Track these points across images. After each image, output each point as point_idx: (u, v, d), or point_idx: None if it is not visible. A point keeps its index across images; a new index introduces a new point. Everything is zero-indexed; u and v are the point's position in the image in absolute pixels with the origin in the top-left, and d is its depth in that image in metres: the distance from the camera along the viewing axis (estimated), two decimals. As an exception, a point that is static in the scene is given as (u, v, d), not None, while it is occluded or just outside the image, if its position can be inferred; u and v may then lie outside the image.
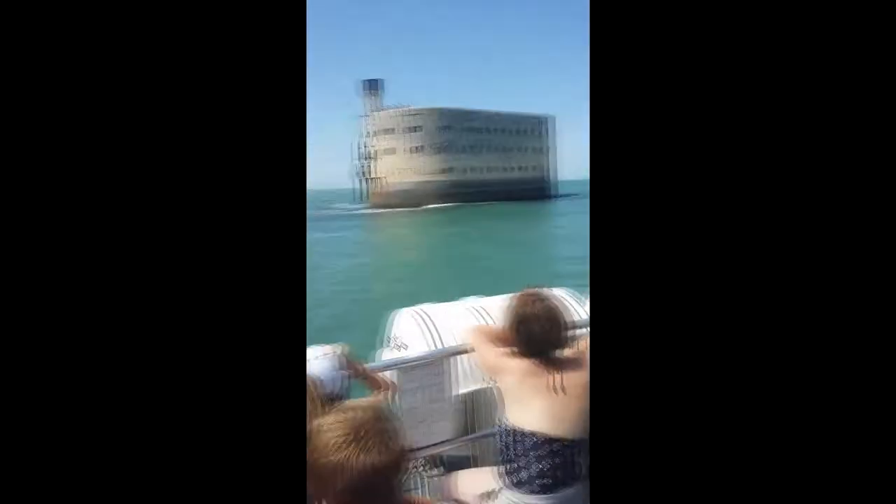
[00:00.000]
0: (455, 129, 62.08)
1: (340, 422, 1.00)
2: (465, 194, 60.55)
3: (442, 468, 2.33)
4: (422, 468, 2.37)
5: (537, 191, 67.43)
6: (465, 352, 2.10)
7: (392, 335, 2.99)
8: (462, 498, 1.78)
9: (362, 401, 1.11)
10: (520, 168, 68.11)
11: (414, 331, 2.79)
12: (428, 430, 2.14)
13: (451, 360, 2.24)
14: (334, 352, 1.74)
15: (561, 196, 70.50)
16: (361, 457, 0.96)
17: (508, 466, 1.61)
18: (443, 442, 2.19)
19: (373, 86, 66.03)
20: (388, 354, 2.90)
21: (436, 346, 2.61)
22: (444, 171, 61.51)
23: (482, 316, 2.80)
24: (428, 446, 2.15)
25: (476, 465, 2.29)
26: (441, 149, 61.23)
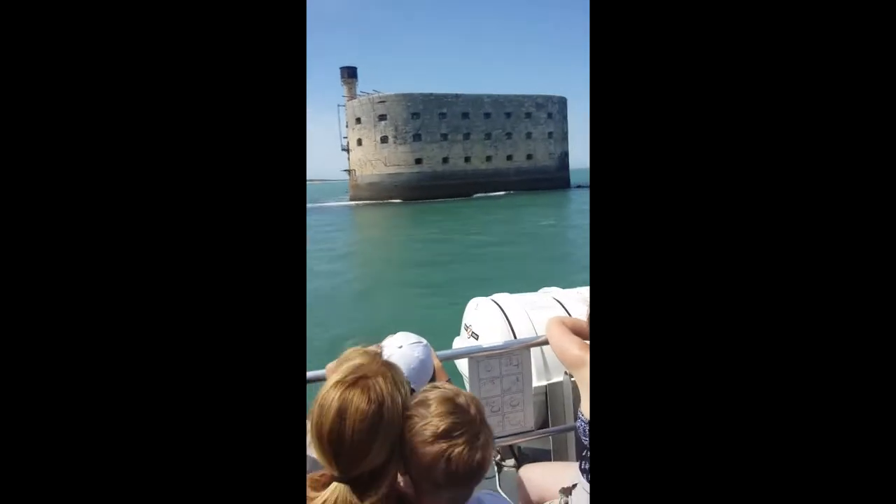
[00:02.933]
0: (427, 116, 56.55)
1: (451, 413, 1.01)
2: (449, 186, 55.12)
3: (516, 460, 2.35)
4: (497, 459, 2.37)
5: (545, 181, 59.87)
6: (544, 343, 2.10)
7: (465, 323, 2.91)
8: (537, 491, 1.78)
9: (470, 396, 1.07)
10: (527, 157, 60.95)
11: (487, 320, 2.72)
12: (503, 420, 2.13)
13: (529, 351, 2.20)
14: (423, 342, 1.52)
15: (576, 187, 62.36)
16: (467, 451, 0.98)
17: (588, 462, 1.55)
18: (519, 433, 2.18)
19: (350, 73, 62.44)
20: (461, 342, 2.88)
21: (511, 336, 2.54)
22: (416, 161, 56.57)
23: (560, 307, 2.74)
24: (503, 437, 2.12)
25: (553, 459, 2.32)
26: (410, 138, 56.26)
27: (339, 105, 62.80)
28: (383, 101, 56.81)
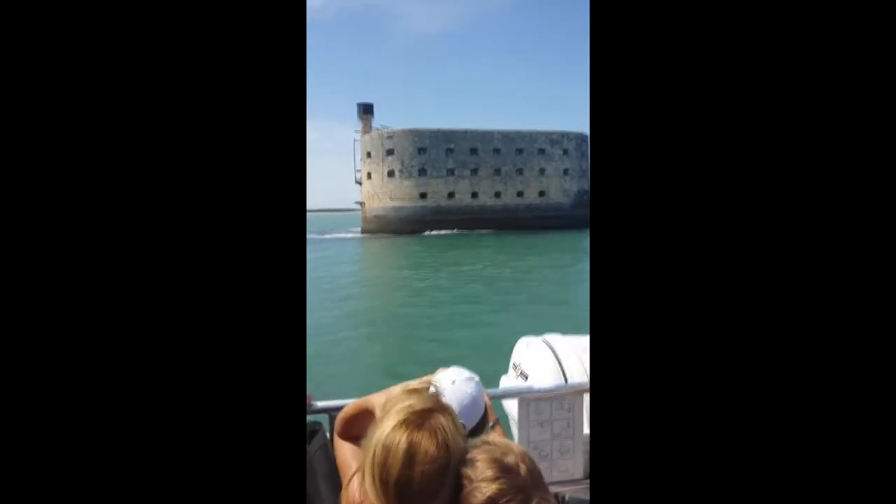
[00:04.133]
0: (434, 151, 56.67)
1: (499, 478, 0.92)
2: (457, 221, 54.71)
3: None
4: None
5: (558, 219, 58.23)
6: None
7: (513, 362, 2.80)
8: None
9: (521, 454, 0.98)
10: (540, 193, 59.60)
11: (538, 360, 2.62)
12: (551, 466, 2.06)
13: (582, 395, 2.10)
14: (475, 378, 1.41)
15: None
16: None
17: None
18: (567, 482, 2.10)
19: (367, 109, 63.94)
20: (508, 381, 2.79)
21: (561, 378, 2.42)
22: (421, 195, 56.57)
23: None
24: (550, 483, 1.88)
25: None
26: (416, 172, 56.43)
27: (355, 140, 64.38)
28: (391, 137, 57.65)
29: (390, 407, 0.98)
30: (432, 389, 1.26)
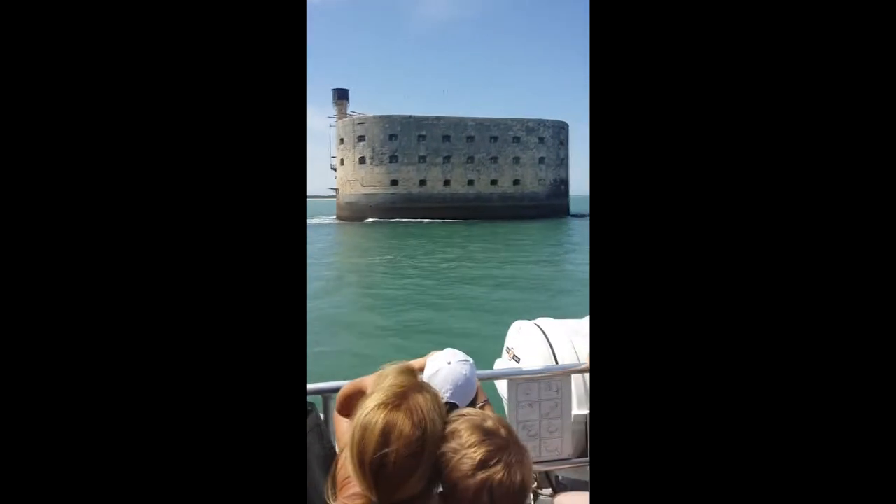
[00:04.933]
0: (405, 138, 56.11)
1: (483, 441, 0.99)
2: (426, 209, 54.32)
3: (553, 489, 2.29)
4: (534, 486, 2.27)
5: (533, 209, 57.66)
6: (585, 371, 2.14)
7: (507, 346, 2.86)
8: None
9: (497, 418, 1.07)
10: (514, 182, 58.96)
11: (529, 344, 2.67)
12: (540, 445, 2.13)
13: (570, 377, 2.19)
14: (469, 360, 1.48)
15: (574, 216, 59.49)
16: (508, 476, 0.96)
17: None
18: (556, 461, 2.16)
19: (342, 95, 63.46)
20: (502, 365, 2.83)
21: (553, 361, 2.49)
22: (392, 182, 56.17)
23: None
24: (539, 462, 2.10)
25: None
26: (387, 159, 55.97)
27: (330, 126, 63.99)
28: (363, 123, 57.18)
29: (376, 387, 1.00)
30: (428, 370, 1.36)
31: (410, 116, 56.77)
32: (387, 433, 0.91)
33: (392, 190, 56.05)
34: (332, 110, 63.63)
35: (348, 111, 62.61)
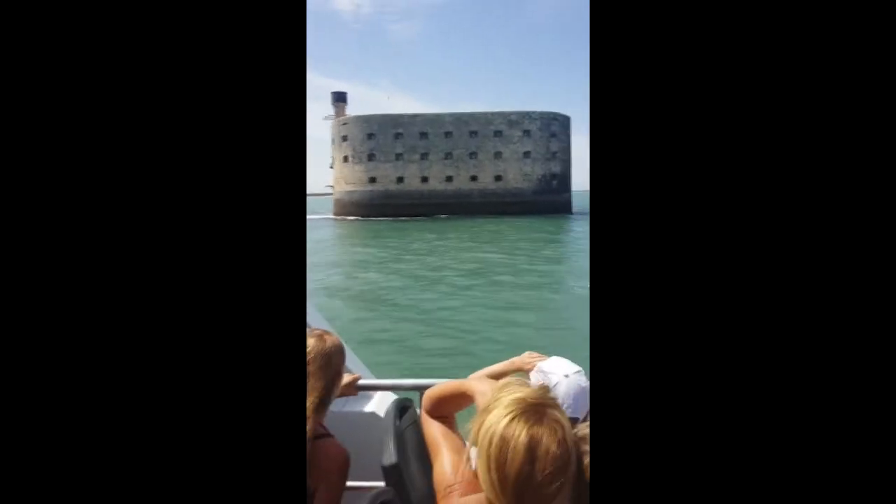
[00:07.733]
0: (382, 137, 57.93)
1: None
2: (403, 206, 56.10)
3: None
4: None
5: (517, 205, 56.75)
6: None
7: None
8: None
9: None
10: (496, 178, 58.11)
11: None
12: None
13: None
14: (582, 370, 1.42)
15: (574, 214, 57.74)
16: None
17: None
18: None
19: (340, 98, 66.74)
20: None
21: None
22: (370, 180, 58.35)
23: None
24: None
25: None
26: (365, 158, 58.18)
27: (331, 126, 67.77)
28: (346, 123, 60.13)
29: (500, 396, 0.97)
30: (543, 380, 1.35)
31: (387, 115, 58.73)
32: (532, 448, 0.87)
33: (370, 187, 58.45)
34: (327, 111, 67.42)
35: (346, 113, 65.96)
